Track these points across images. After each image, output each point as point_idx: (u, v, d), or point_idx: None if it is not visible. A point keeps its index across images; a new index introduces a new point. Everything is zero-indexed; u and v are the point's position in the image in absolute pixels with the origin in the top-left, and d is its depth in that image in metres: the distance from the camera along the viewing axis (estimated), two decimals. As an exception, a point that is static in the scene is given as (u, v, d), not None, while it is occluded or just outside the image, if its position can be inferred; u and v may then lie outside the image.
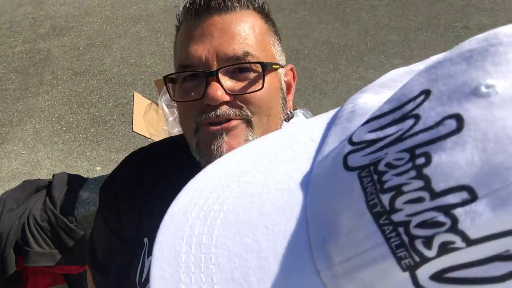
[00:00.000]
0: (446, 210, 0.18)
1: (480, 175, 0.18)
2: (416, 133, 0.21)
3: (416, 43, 4.00)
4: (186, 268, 0.24)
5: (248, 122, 0.66)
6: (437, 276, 0.19)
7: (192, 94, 0.66)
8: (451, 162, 0.19)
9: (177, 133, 1.73)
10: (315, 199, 0.24)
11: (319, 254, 0.22)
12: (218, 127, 0.65)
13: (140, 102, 1.87)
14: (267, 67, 0.67)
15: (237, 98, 0.66)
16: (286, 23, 4.48)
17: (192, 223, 0.26)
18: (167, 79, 0.70)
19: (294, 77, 0.79)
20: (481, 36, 0.24)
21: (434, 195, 0.19)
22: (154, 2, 5.00)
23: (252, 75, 0.67)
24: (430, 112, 0.21)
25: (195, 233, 0.25)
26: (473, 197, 0.18)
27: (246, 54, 0.66)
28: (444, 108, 0.20)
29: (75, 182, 1.74)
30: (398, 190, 0.20)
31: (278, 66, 0.71)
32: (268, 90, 0.68)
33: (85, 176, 1.81)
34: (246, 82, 0.67)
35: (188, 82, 0.68)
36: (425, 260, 0.19)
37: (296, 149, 0.26)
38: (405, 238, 0.19)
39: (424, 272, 0.19)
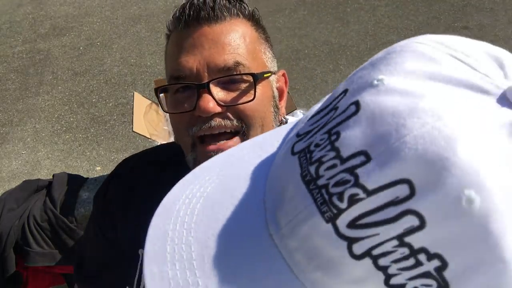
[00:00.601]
0: (351, 170, 0.25)
1: (371, 142, 0.25)
2: (333, 119, 0.28)
3: (416, 43, 4.00)
4: (171, 241, 0.31)
5: (244, 136, 0.66)
6: (351, 224, 0.25)
7: (185, 105, 0.67)
8: (353, 135, 0.26)
9: (177, 133, 1.73)
10: (272, 180, 0.32)
11: (271, 221, 0.29)
12: (215, 147, 0.65)
13: (140, 102, 1.87)
14: (258, 78, 0.67)
15: (229, 110, 0.66)
16: (286, 23, 4.48)
17: (179, 207, 0.33)
18: (158, 90, 0.70)
19: (286, 82, 0.79)
20: (387, 48, 0.31)
21: (343, 161, 0.26)
22: (154, 2, 5.00)
23: (243, 85, 0.67)
24: (342, 103, 0.28)
25: (180, 214, 0.32)
26: (367, 159, 0.25)
27: (237, 64, 0.65)
28: (350, 99, 0.28)
29: (75, 182, 1.74)
30: (320, 161, 0.27)
31: (269, 74, 0.71)
32: (260, 100, 0.68)
33: (85, 176, 1.81)
34: (238, 93, 0.66)
35: (180, 93, 0.68)
36: (340, 211, 0.25)
37: (265, 149, 0.35)
38: (326, 196, 0.26)
39: (341, 222, 0.25)
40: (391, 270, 0.24)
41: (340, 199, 0.25)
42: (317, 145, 0.28)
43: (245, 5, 0.72)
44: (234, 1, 0.70)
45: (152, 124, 1.78)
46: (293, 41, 4.14)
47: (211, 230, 0.30)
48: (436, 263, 0.23)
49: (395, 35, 4.14)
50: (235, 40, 0.67)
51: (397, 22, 4.36)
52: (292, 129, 0.36)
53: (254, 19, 0.72)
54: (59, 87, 3.81)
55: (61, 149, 3.12)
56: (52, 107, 3.57)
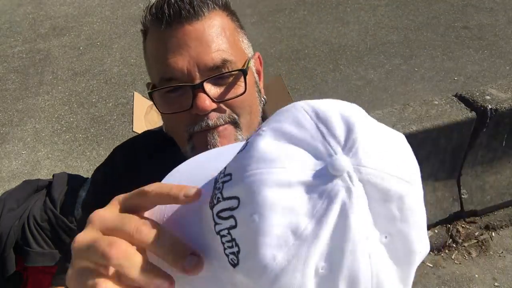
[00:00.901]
0: (219, 189, 0.38)
1: (235, 174, 0.37)
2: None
3: (416, 43, 4.00)
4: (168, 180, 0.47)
5: (236, 124, 0.71)
6: (217, 214, 0.36)
7: (179, 105, 0.69)
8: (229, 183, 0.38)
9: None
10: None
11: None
12: (211, 130, 0.69)
13: (140, 102, 1.87)
14: (247, 73, 0.70)
15: (222, 104, 0.70)
16: (286, 23, 4.48)
17: (173, 172, 0.48)
18: (153, 93, 0.72)
19: (261, 63, 0.82)
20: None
21: (219, 187, 0.38)
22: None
23: (233, 80, 0.70)
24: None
25: (173, 172, 0.48)
26: (230, 179, 0.37)
27: (225, 61, 0.68)
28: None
29: (75, 182, 1.74)
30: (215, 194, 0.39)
31: (250, 61, 0.74)
32: (249, 91, 0.71)
33: (85, 176, 1.81)
34: (229, 87, 0.70)
35: (171, 93, 0.70)
36: (214, 205, 0.37)
37: (223, 159, 0.43)
38: (214, 200, 0.37)
39: (214, 211, 0.37)
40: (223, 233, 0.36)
41: (214, 196, 0.38)
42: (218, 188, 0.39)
43: None
44: None
45: (152, 124, 1.78)
46: (293, 41, 4.14)
47: (185, 177, 0.45)
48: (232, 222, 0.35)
49: (395, 35, 4.14)
50: (218, 36, 0.69)
51: (397, 22, 4.36)
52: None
53: (227, 8, 0.74)
54: (59, 87, 3.81)
55: (61, 149, 3.12)
56: (52, 107, 3.57)
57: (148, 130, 0.94)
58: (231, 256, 0.35)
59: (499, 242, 2.29)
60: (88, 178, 1.79)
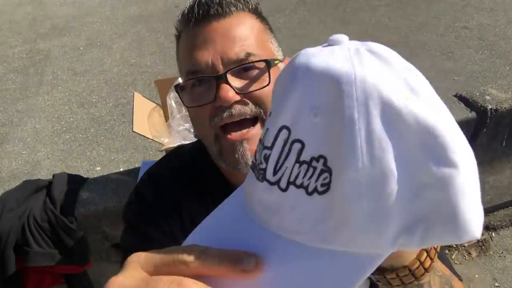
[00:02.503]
0: (261, 144, 0.38)
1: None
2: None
3: (416, 43, 4.00)
4: None
5: (263, 121, 0.71)
6: (273, 172, 0.36)
7: (204, 98, 0.70)
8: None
9: (182, 131, 1.72)
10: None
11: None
12: (238, 136, 0.69)
13: (140, 102, 1.87)
14: (271, 64, 0.71)
15: (246, 96, 0.69)
16: (286, 23, 4.48)
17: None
18: (178, 87, 0.73)
19: None
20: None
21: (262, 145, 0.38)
22: (154, 2, 5.00)
23: (257, 72, 0.71)
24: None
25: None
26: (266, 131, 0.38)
27: (248, 55, 0.69)
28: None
29: (75, 182, 1.74)
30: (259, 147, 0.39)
31: (278, 61, 0.75)
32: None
33: (85, 176, 1.81)
34: (253, 80, 0.70)
35: (197, 87, 0.71)
36: (264, 169, 0.37)
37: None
38: (255, 168, 0.38)
39: (268, 175, 0.36)
40: (305, 182, 0.34)
41: (261, 162, 0.37)
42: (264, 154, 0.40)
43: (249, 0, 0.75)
44: None
45: (155, 127, 1.78)
46: (293, 41, 4.14)
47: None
48: (322, 160, 0.34)
49: (395, 35, 4.13)
50: (244, 32, 0.71)
51: (397, 22, 4.36)
52: None
53: (257, 12, 0.76)
54: (59, 87, 3.81)
55: (61, 149, 3.12)
56: (52, 107, 3.57)
57: (180, 148, 0.91)
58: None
59: (499, 242, 2.29)
60: (88, 178, 1.79)
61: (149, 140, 1.76)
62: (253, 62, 0.69)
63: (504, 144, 2.21)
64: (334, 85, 0.34)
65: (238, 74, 0.70)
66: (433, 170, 0.33)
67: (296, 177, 0.35)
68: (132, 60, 4.07)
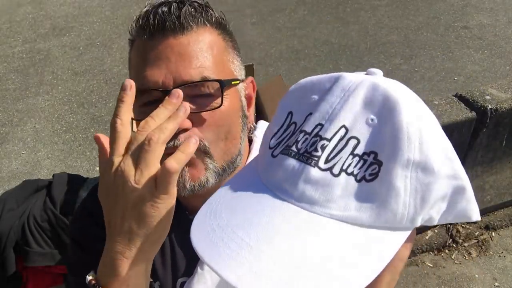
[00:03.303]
0: (316, 135, 0.46)
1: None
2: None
3: (416, 43, 4.00)
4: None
5: (206, 152, 0.66)
6: (326, 160, 0.44)
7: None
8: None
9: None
10: (268, 170, 0.49)
11: (276, 188, 0.47)
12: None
13: (140, 102, 1.87)
14: (225, 85, 0.65)
15: (195, 125, 0.64)
16: (286, 23, 4.48)
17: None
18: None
19: (254, 88, 0.78)
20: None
21: (309, 134, 0.46)
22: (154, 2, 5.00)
23: (210, 97, 0.65)
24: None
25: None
26: (321, 126, 0.46)
27: (204, 79, 0.64)
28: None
29: (75, 182, 1.74)
30: (297, 141, 0.47)
31: (237, 82, 0.70)
32: (227, 111, 0.66)
33: (85, 176, 1.81)
34: (204, 105, 0.65)
35: (147, 106, 0.65)
36: (318, 157, 0.44)
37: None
38: (307, 155, 0.45)
39: (321, 162, 0.44)
40: (355, 171, 0.43)
41: (316, 150, 0.44)
42: (296, 141, 0.47)
43: (212, 12, 0.69)
44: (200, 8, 0.67)
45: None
46: (293, 41, 4.14)
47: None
48: (373, 155, 0.42)
49: (395, 35, 4.14)
50: (202, 53, 0.65)
51: (397, 22, 4.36)
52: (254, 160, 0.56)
53: (221, 27, 0.70)
54: (59, 87, 3.81)
55: (61, 149, 3.12)
56: (52, 107, 3.57)
57: None
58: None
59: (499, 242, 2.30)
60: (88, 178, 1.79)
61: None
62: (205, 80, 0.64)
63: (504, 144, 2.21)
64: (391, 104, 0.44)
65: (189, 99, 0.63)
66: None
67: (348, 166, 0.43)
68: (132, 60, 4.07)
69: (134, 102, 0.63)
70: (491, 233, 2.33)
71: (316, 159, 0.44)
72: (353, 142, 0.43)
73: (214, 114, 0.65)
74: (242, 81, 0.73)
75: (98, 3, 5.18)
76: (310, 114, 0.47)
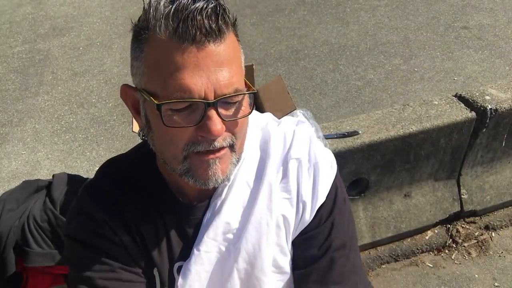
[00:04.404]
0: None
1: None
2: None
3: (416, 43, 4.00)
4: None
5: (232, 148, 0.71)
6: None
7: (185, 121, 0.66)
8: None
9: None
10: None
11: None
12: (212, 156, 0.68)
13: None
14: (255, 95, 0.71)
15: (229, 124, 0.68)
16: (286, 23, 4.48)
17: None
18: (162, 105, 0.65)
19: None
20: None
21: None
22: (154, 2, 5.00)
23: (240, 103, 0.69)
24: None
25: None
26: None
27: (237, 91, 0.66)
28: None
29: (75, 182, 1.74)
30: None
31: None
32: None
33: (85, 176, 1.81)
34: (236, 109, 0.69)
35: (181, 111, 0.66)
36: None
37: None
38: None
39: None
40: None
41: None
42: None
43: (229, 11, 0.68)
44: (224, 10, 0.65)
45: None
46: (293, 41, 4.14)
47: None
48: None
49: (395, 35, 4.14)
50: (232, 61, 0.66)
51: (397, 22, 4.36)
52: None
53: (236, 28, 0.70)
54: (59, 87, 3.80)
55: (61, 149, 3.12)
56: (52, 107, 3.57)
57: (118, 161, 0.87)
58: None
59: (499, 242, 2.29)
60: (88, 178, 1.79)
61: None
62: (243, 93, 0.67)
63: (504, 144, 2.21)
64: None
65: (224, 104, 0.67)
66: None
67: None
68: (132, 60, 4.07)
69: (162, 105, 0.64)
70: (491, 233, 2.33)
71: None
72: None
73: (245, 118, 0.71)
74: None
75: (98, 3, 5.18)
76: None
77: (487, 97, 2.11)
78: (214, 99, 0.64)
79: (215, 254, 0.77)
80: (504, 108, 2.06)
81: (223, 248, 0.78)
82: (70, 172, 1.84)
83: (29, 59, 4.24)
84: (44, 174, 2.86)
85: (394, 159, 2.01)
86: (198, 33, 0.61)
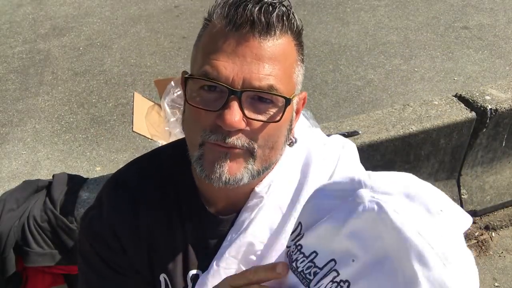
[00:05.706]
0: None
1: None
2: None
3: (416, 43, 4.00)
4: None
5: (251, 154, 0.67)
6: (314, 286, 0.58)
7: (208, 104, 0.65)
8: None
9: (179, 134, 1.72)
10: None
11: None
12: (223, 149, 0.66)
13: (140, 102, 1.87)
14: (289, 103, 0.67)
15: (246, 130, 0.65)
16: (286, 23, 4.47)
17: None
18: (188, 78, 0.67)
19: (304, 103, 0.80)
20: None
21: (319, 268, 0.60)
22: (154, 2, 5.00)
23: (271, 106, 0.66)
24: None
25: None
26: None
27: (271, 88, 0.64)
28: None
29: (75, 182, 1.74)
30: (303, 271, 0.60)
31: (295, 96, 0.72)
32: (280, 124, 0.68)
33: (85, 176, 1.81)
34: (264, 112, 0.66)
35: (205, 91, 0.66)
36: (309, 281, 0.59)
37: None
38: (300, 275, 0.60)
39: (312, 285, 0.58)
40: None
41: (310, 274, 0.58)
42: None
43: (295, 19, 0.69)
44: (287, 13, 0.67)
45: (153, 126, 1.78)
46: (293, 41, 4.13)
47: None
48: (347, 283, 0.54)
49: (395, 35, 4.14)
50: (276, 61, 0.65)
51: (397, 22, 4.36)
52: None
53: (299, 37, 0.71)
54: (59, 87, 3.81)
55: (61, 149, 3.12)
56: (52, 107, 3.57)
57: (156, 154, 0.85)
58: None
59: (499, 242, 2.29)
60: (88, 178, 1.79)
61: (149, 140, 1.77)
62: (274, 94, 0.65)
63: (504, 144, 2.21)
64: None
65: (252, 102, 0.65)
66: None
67: None
68: (132, 60, 4.07)
69: (194, 82, 0.66)
70: (491, 233, 2.33)
71: (308, 281, 0.57)
72: (334, 274, 0.55)
73: (269, 125, 0.67)
74: (297, 95, 0.75)
75: (98, 3, 5.18)
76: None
77: (487, 97, 2.11)
78: (241, 89, 0.63)
79: (233, 272, 0.75)
80: (504, 108, 2.06)
81: (243, 268, 0.75)
82: (70, 172, 1.84)
83: (29, 59, 4.24)
84: (44, 174, 2.86)
85: (394, 159, 2.01)
86: (245, 21, 0.63)
